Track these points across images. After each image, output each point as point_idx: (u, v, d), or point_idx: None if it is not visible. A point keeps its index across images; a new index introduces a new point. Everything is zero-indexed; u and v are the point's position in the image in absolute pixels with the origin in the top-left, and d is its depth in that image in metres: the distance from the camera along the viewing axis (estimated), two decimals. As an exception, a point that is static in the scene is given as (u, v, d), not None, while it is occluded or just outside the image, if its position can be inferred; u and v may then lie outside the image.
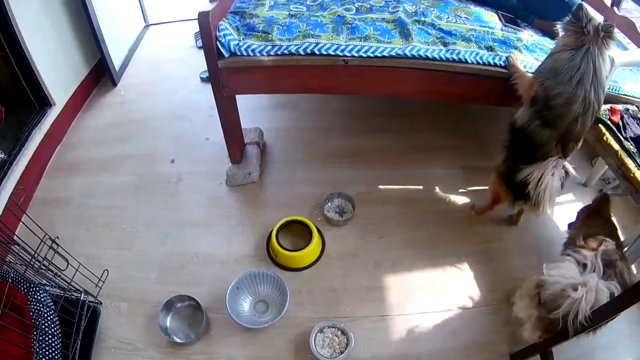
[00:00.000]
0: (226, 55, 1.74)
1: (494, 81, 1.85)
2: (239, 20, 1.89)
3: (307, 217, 2.02)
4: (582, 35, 1.57)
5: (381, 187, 2.22)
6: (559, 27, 1.76)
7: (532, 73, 1.75)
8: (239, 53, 1.75)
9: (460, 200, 2.18)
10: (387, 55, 1.76)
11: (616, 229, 1.64)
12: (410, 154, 2.38)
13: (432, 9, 2.07)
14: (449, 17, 2.04)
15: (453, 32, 1.89)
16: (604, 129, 1.85)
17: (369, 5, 2.03)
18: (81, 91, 2.89)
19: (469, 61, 1.81)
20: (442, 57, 1.79)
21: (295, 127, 2.60)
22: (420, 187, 2.22)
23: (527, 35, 2.09)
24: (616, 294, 1.24)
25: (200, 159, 2.41)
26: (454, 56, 1.80)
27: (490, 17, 2.14)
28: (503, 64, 1.84)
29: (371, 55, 1.76)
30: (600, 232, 1.52)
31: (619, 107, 1.94)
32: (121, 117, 2.79)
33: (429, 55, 1.78)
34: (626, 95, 2.01)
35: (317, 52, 1.75)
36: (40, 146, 2.37)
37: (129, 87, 3.05)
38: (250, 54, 1.75)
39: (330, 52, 1.75)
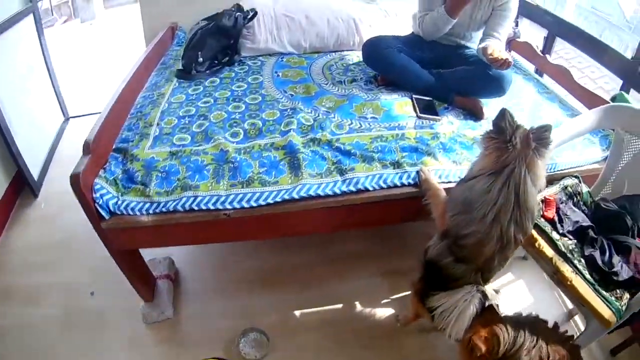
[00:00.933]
0: (107, 217, 1.48)
1: (405, 202, 1.53)
2: (121, 163, 1.59)
3: (224, 354, 1.76)
4: (506, 152, 1.22)
5: (297, 312, 1.91)
6: (477, 141, 1.42)
7: (447, 190, 1.44)
8: (119, 212, 1.48)
9: (384, 312, 1.88)
10: (272, 202, 1.44)
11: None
12: (327, 268, 2.06)
13: (332, 114, 1.74)
14: (351, 123, 1.70)
15: (353, 151, 1.55)
16: (535, 234, 1.51)
17: (260, 123, 1.70)
18: (3, 207, 2.56)
19: (371, 189, 1.48)
20: (338, 191, 1.46)
21: (206, 250, 2.29)
22: (339, 305, 1.91)
23: (446, 125, 1.78)
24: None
25: (117, 292, 2.10)
26: (351, 187, 1.47)
27: (403, 108, 1.82)
28: (413, 182, 1.51)
29: (254, 204, 1.44)
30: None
31: (555, 191, 1.63)
32: (43, 237, 2.48)
33: (321, 193, 1.45)
34: (563, 170, 1.71)
35: (195, 208, 1.44)
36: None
37: (50, 197, 2.72)
38: (130, 212, 1.48)
39: (210, 206, 1.45)
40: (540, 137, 1.22)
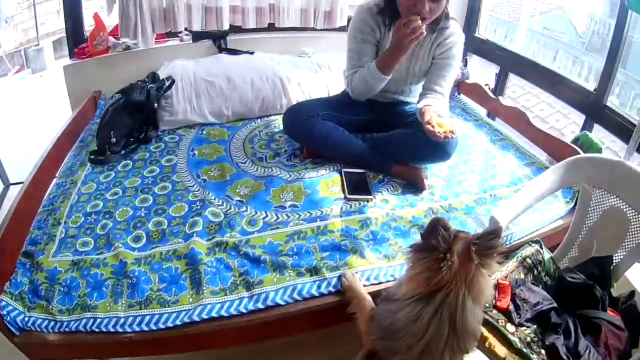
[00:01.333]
0: (17, 333, 1.29)
1: (326, 311, 1.30)
2: (28, 271, 1.38)
3: None
4: (439, 272, 0.94)
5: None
6: (404, 257, 1.19)
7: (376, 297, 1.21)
8: (27, 329, 1.29)
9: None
10: (171, 325, 1.22)
11: None
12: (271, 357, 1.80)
13: (245, 207, 1.52)
14: (266, 216, 1.49)
15: (263, 257, 1.33)
16: (485, 332, 1.27)
17: (165, 223, 1.48)
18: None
19: (283, 303, 1.26)
20: (244, 310, 1.24)
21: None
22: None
23: (379, 204, 1.57)
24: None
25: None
26: (259, 305, 1.25)
27: (329, 189, 1.61)
28: (334, 289, 1.29)
29: (154, 327, 1.23)
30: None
31: (511, 269, 1.39)
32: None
33: (225, 314, 1.23)
34: (522, 238, 1.51)
35: (96, 330, 1.24)
36: None
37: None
38: (38, 329, 1.28)
39: (110, 328, 1.24)
40: (485, 247, 0.94)
